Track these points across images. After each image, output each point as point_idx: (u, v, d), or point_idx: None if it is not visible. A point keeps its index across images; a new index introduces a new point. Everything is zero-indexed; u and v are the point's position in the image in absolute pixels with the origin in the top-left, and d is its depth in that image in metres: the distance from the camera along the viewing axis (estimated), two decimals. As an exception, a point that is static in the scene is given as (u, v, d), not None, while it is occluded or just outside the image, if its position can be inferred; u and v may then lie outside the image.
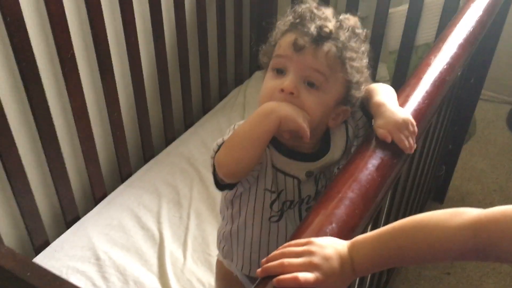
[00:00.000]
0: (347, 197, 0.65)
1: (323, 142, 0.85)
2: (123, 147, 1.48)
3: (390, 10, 1.71)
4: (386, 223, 1.03)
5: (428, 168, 1.43)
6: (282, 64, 0.77)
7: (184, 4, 1.54)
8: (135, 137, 1.57)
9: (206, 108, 1.83)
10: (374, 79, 1.90)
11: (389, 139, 0.74)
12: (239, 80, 1.97)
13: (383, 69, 1.95)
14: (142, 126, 1.54)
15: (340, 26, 0.77)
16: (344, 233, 0.61)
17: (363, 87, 0.81)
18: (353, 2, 1.75)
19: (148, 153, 1.60)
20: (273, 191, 0.83)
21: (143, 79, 1.47)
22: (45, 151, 1.25)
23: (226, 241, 0.94)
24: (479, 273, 1.66)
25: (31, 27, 1.14)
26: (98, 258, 1.28)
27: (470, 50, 1.02)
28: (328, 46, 0.75)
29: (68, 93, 1.25)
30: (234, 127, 0.81)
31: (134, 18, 1.37)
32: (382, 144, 0.75)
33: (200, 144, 1.67)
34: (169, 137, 1.67)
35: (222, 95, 1.90)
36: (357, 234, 0.64)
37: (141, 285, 1.22)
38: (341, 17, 0.79)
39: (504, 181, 2.01)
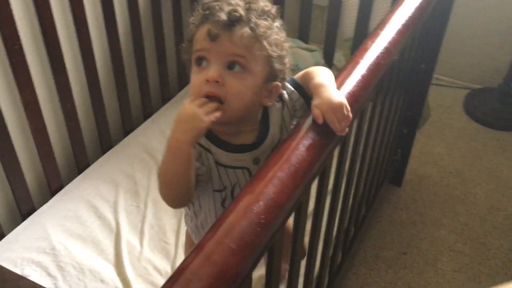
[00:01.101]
0: (276, 176, 0.68)
1: (263, 125, 0.87)
2: (78, 138, 1.48)
3: (344, -1, 1.74)
4: (333, 201, 1.07)
5: (381, 151, 1.47)
6: (202, 56, 0.79)
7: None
8: (91, 128, 1.57)
9: (165, 97, 1.83)
10: (330, 66, 1.94)
11: (320, 120, 0.76)
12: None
13: (339, 56, 1.99)
14: (98, 117, 1.54)
15: (249, 8, 0.79)
16: (270, 211, 0.63)
17: (286, 60, 0.83)
18: (308, -9, 1.78)
19: (105, 144, 1.60)
20: (222, 190, 0.86)
21: (96, 69, 1.47)
22: (-4, 144, 1.25)
23: (194, 234, 0.99)
24: (434, 252, 1.71)
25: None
26: (53, 249, 1.28)
27: (408, 35, 1.05)
28: (241, 28, 0.77)
29: (17, 85, 1.24)
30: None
31: (83, 7, 1.36)
32: (315, 126, 0.77)
33: (159, 134, 1.68)
34: (127, 128, 1.67)
35: (181, 84, 1.90)
36: (285, 213, 0.67)
37: (97, 274, 1.23)
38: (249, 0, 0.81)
39: (460, 163, 2.08)
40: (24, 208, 1.37)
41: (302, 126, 0.77)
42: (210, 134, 0.84)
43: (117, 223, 1.37)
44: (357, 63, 0.92)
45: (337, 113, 0.77)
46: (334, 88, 0.81)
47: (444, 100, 2.42)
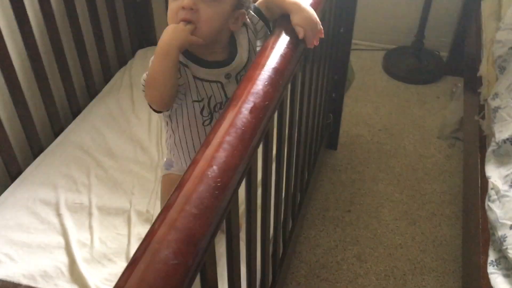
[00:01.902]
0: (225, 141, 0.69)
1: (233, 47, 1.01)
2: (6, 145, 1.41)
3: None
4: (278, 166, 1.10)
5: (315, 117, 1.52)
6: None
7: (46, -13, 1.47)
8: (18, 133, 1.49)
9: (91, 93, 1.77)
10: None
11: (301, 36, 0.93)
12: (123, 61, 1.93)
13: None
14: (23, 121, 1.46)
15: None
16: (225, 174, 0.65)
17: None
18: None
19: (35, 148, 1.53)
20: (200, 100, 1.00)
21: (15, 72, 1.40)
22: None
23: (173, 150, 1.13)
24: (375, 205, 1.81)
25: None
26: (-2, 262, 1.22)
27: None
28: None
29: None
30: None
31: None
32: (255, 88, 0.79)
33: (91, 129, 1.63)
34: (56, 128, 1.61)
35: (106, 78, 1.85)
36: (239, 174, 0.69)
37: (49, 278, 1.19)
38: None
39: (387, 120, 2.19)
40: (-43, 225, 1.29)
41: (242, 90, 0.79)
42: (188, 52, 0.97)
43: (62, 224, 1.32)
44: (281, 25, 0.95)
45: (313, 30, 0.96)
46: (308, 5, 0.97)
47: (364, 63, 2.53)
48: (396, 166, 1.97)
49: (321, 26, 0.98)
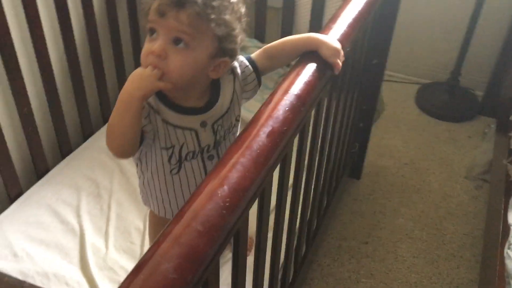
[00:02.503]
0: (239, 162, 0.70)
1: (214, 93, 0.94)
2: (36, 143, 1.46)
3: (297, -2, 1.79)
4: (295, 192, 1.10)
5: (339, 144, 1.52)
6: (153, 28, 0.84)
7: (91, -3, 1.54)
8: (49, 133, 1.55)
9: (124, 101, 1.82)
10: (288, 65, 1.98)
11: (339, 67, 0.94)
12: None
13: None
14: (56, 121, 1.52)
15: None
16: (234, 195, 0.66)
17: (238, 38, 0.89)
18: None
19: (65, 149, 1.58)
20: (169, 148, 0.93)
21: (52, 72, 1.46)
22: (-49, 151, 1.22)
23: (142, 191, 1.07)
24: (393, 240, 1.78)
25: None
26: (15, 255, 1.26)
27: (358, 28, 1.10)
28: (188, 7, 0.81)
29: (-29, 90, 1.22)
30: None
31: (38, 12, 1.35)
32: (275, 113, 0.80)
33: (120, 137, 1.67)
34: (87, 132, 1.66)
35: (140, 88, 1.90)
36: (249, 196, 0.69)
37: (61, 278, 1.22)
38: None
39: (414, 154, 2.16)
40: (-18, 216, 1.34)
41: (262, 113, 0.80)
42: (161, 94, 0.89)
43: (81, 226, 1.36)
44: (311, 55, 0.96)
45: (339, 57, 0.96)
46: (329, 38, 0.96)
47: (397, 95, 2.51)
48: (419, 202, 1.94)
49: (342, 52, 0.97)
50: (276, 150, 0.76)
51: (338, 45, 0.95)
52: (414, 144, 2.22)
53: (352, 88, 1.48)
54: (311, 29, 1.80)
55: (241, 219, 0.69)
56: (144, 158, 0.97)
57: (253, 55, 1.00)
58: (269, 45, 1.01)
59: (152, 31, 0.84)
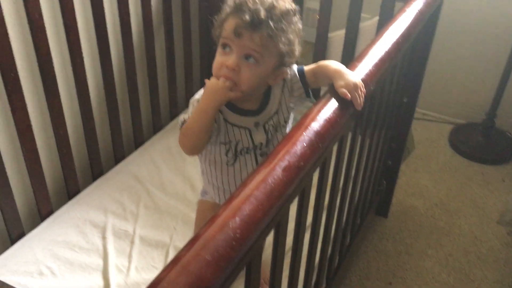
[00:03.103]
0: (253, 194, 0.71)
1: (266, 97, 1.08)
2: (69, 164, 1.52)
3: (330, 35, 1.82)
4: (314, 228, 1.10)
5: (365, 181, 1.51)
6: (227, 44, 0.97)
7: (130, 26, 1.60)
8: (82, 155, 1.61)
9: (156, 127, 1.88)
10: (317, 98, 1.99)
11: (348, 97, 0.94)
12: (189, 99, 2.03)
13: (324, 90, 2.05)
14: (89, 144, 1.58)
15: (273, 7, 0.95)
16: (246, 227, 0.67)
17: (296, 52, 1.02)
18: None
19: (96, 171, 1.63)
20: (226, 143, 1.07)
21: (89, 97, 1.52)
22: (-12, 168, 1.28)
23: (202, 178, 1.21)
24: (419, 283, 1.73)
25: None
26: (41, 273, 1.29)
27: (385, 68, 1.11)
28: (260, 30, 0.93)
29: (12, 111, 1.29)
30: (193, 102, 1.04)
31: (79, 40, 1.42)
32: (293, 148, 0.81)
33: (150, 162, 1.72)
34: (118, 156, 1.71)
35: (172, 115, 1.96)
36: (261, 229, 0.70)
37: (82, 297, 1.25)
38: None
39: (445, 195, 2.12)
40: (13, 232, 1.39)
41: (280, 148, 0.81)
42: None
43: (105, 248, 1.39)
44: (334, 92, 0.98)
45: (357, 91, 0.96)
46: (351, 72, 1.00)
47: (430, 134, 2.48)
48: (447, 245, 1.89)
49: (364, 89, 0.99)
50: (292, 185, 0.77)
51: (356, 80, 0.97)
52: (445, 184, 2.18)
53: (380, 125, 1.48)
54: (343, 63, 1.81)
55: (252, 251, 0.70)
56: (204, 150, 1.10)
57: (306, 67, 1.11)
58: (322, 62, 1.09)
59: (225, 45, 0.98)
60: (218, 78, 0.98)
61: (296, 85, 1.09)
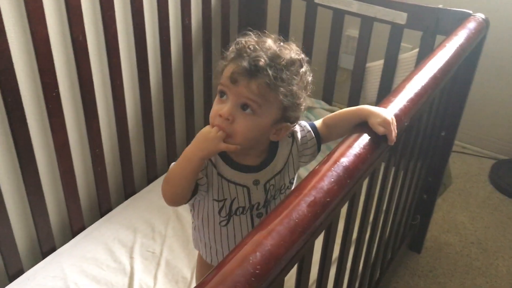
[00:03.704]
0: (276, 229, 0.70)
1: (271, 153, 0.99)
2: (103, 183, 1.55)
3: (368, 65, 1.80)
4: (341, 259, 1.08)
5: (397, 215, 1.47)
6: (224, 91, 0.90)
7: (170, 51, 1.64)
8: (116, 174, 1.64)
9: (190, 149, 1.90)
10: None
11: (382, 131, 0.92)
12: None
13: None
14: (124, 164, 1.61)
15: (276, 56, 0.87)
16: (266, 262, 0.66)
17: (302, 106, 0.93)
18: (333, 57, 1.85)
19: (129, 190, 1.66)
20: (220, 200, 0.97)
21: (126, 120, 1.56)
22: (26, 183, 1.32)
23: (193, 235, 1.13)
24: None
25: (19, 65, 1.23)
26: (67, 289, 1.32)
27: (421, 103, 1.09)
28: (259, 78, 0.86)
29: (51, 129, 1.33)
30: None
31: (120, 63, 1.47)
32: (320, 184, 0.80)
33: (181, 184, 1.73)
34: (151, 176, 1.73)
35: (207, 138, 1.97)
36: (282, 265, 0.69)
37: (106, 317, 1.25)
38: (281, 44, 0.90)
39: (483, 233, 2.04)
40: (45, 246, 1.43)
41: (306, 182, 0.80)
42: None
43: (132, 268, 1.40)
44: (365, 127, 0.96)
45: (391, 126, 0.93)
46: (381, 109, 0.96)
47: (469, 169, 2.41)
48: (483, 286, 1.80)
49: (395, 122, 0.96)
50: (317, 221, 0.76)
51: (388, 116, 0.94)
52: (484, 222, 2.10)
53: (415, 158, 1.45)
54: (380, 94, 1.79)
55: (272, 287, 0.69)
56: (197, 205, 1.02)
57: (316, 123, 1.04)
58: (327, 115, 1.04)
59: (222, 93, 0.90)
60: (213, 126, 0.89)
61: (311, 142, 1.02)
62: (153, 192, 1.67)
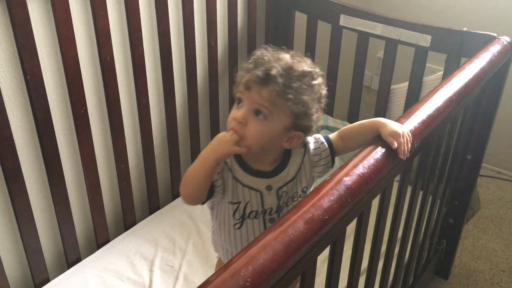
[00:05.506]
0: (270, 244, 0.72)
1: (284, 161, 1.04)
2: (128, 197, 1.60)
3: (392, 87, 1.80)
4: (351, 279, 1.07)
5: (417, 238, 1.45)
6: (240, 98, 0.98)
7: (196, 71, 1.69)
8: (141, 189, 1.69)
9: (215, 167, 1.93)
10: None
11: (394, 146, 0.95)
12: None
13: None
14: (148, 180, 1.66)
15: (289, 67, 0.94)
16: (257, 276, 0.67)
17: (314, 116, 0.99)
18: (358, 78, 1.86)
19: (153, 205, 1.70)
20: (234, 203, 1.03)
21: (152, 137, 1.61)
22: (53, 196, 1.38)
23: (212, 238, 1.18)
24: None
25: (50, 84, 1.30)
26: (88, 299, 1.36)
27: (434, 125, 1.08)
28: (270, 86, 0.93)
29: (79, 144, 1.39)
30: None
31: (146, 81, 1.53)
32: (319, 202, 0.81)
33: (205, 201, 1.76)
34: (176, 192, 1.78)
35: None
36: (275, 280, 0.71)
37: (122, 328, 1.29)
38: (296, 58, 0.98)
39: (514, 262, 1.97)
40: (70, 257, 1.48)
41: (307, 200, 0.82)
42: (238, 155, 1.01)
43: (151, 281, 1.43)
44: (375, 147, 0.97)
45: (403, 139, 0.97)
46: (393, 122, 1.00)
47: (504, 194, 2.34)
48: (513, 316, 1.74)
49: (410, 137, 0.98)
50: (313, 238, 0.77)
51: (399, 129, 0.97)
52: (516, 250, 2.02)
53: (437, 181, 1.43)
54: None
55: (265, 301, 0.70)
56: (216, 207, 1.08)
57: (331, 135, 1.08)
58: (344, 127, 1.08)
59: (239, 100, 0.98)
60: (228, 131, 0.97)
61: (324, 153, 1.06)
62: (177, 208, 1.72)
